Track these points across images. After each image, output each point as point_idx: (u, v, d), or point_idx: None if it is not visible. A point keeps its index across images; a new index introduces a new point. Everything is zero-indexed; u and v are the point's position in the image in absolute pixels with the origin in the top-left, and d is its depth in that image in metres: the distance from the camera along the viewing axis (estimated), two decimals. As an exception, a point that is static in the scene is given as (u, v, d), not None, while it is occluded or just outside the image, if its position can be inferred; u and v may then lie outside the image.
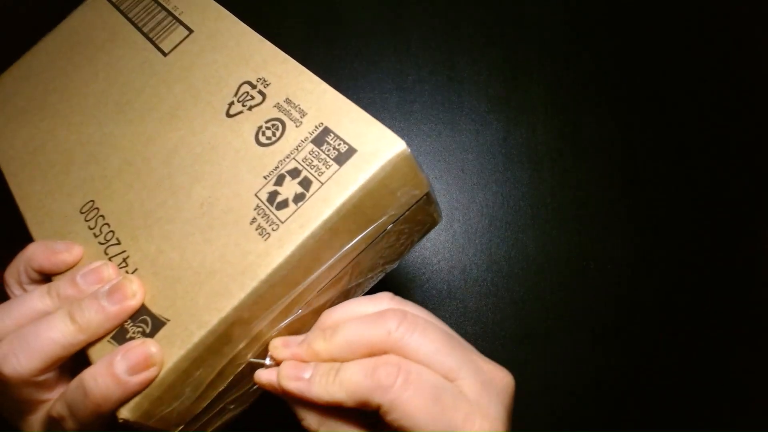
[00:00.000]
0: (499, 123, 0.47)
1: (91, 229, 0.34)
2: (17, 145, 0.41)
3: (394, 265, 0.33)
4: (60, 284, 0.29)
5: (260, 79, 0.35)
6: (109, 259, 0.32)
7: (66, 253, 0.31)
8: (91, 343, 0.29)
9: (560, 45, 0.48)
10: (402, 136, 0.46)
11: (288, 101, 0.33)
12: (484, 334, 0.43)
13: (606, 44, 0.48)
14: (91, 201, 0.36)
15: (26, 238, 0.41)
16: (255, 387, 0.31)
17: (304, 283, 0.30)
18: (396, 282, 0.44)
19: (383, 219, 0.30)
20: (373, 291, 0.32)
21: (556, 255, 0.44)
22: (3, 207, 0.47)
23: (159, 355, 0.27)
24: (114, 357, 0.27)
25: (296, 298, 0.30)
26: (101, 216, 0.35)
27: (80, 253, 0.31)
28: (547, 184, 0.46)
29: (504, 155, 0.47)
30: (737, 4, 0.47)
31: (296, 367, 0.28)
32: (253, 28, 0.42)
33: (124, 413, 0.28)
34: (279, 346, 0.29)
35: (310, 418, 0.28)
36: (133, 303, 0.29)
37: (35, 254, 0.31)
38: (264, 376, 0.29)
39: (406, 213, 0.31)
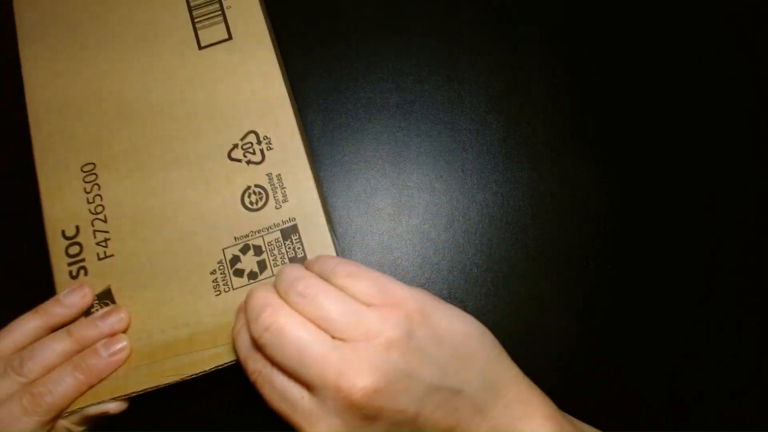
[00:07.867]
0: (499, 123, 0.47)
1: (87, 192, 0.37)
2: (41, 64, 0.39)
3: None
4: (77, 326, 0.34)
5: (266, 137, 0.37)
6: (93, 232, 0.36)
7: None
8: None
9: (560, 45, 0.48)
10: (402, 136, 0.46)
11: (279, 178, 0.36)
12: (484, 334, 0.43)
13: (607, 44, 0.48)
14: (93, 164, 0.37)
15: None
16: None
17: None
18: (396, 282, 0.44)
19: None
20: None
21: (556, 255, 0.44)
22: None
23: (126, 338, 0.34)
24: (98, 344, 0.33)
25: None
26: (97, 185, 0.37)
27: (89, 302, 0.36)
28: (547, 184, 0.46)
29: (504, 155, 0.47)
30: (739, 6, 0.48)
31: None
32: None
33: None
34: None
35: None
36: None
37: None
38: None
39: None
